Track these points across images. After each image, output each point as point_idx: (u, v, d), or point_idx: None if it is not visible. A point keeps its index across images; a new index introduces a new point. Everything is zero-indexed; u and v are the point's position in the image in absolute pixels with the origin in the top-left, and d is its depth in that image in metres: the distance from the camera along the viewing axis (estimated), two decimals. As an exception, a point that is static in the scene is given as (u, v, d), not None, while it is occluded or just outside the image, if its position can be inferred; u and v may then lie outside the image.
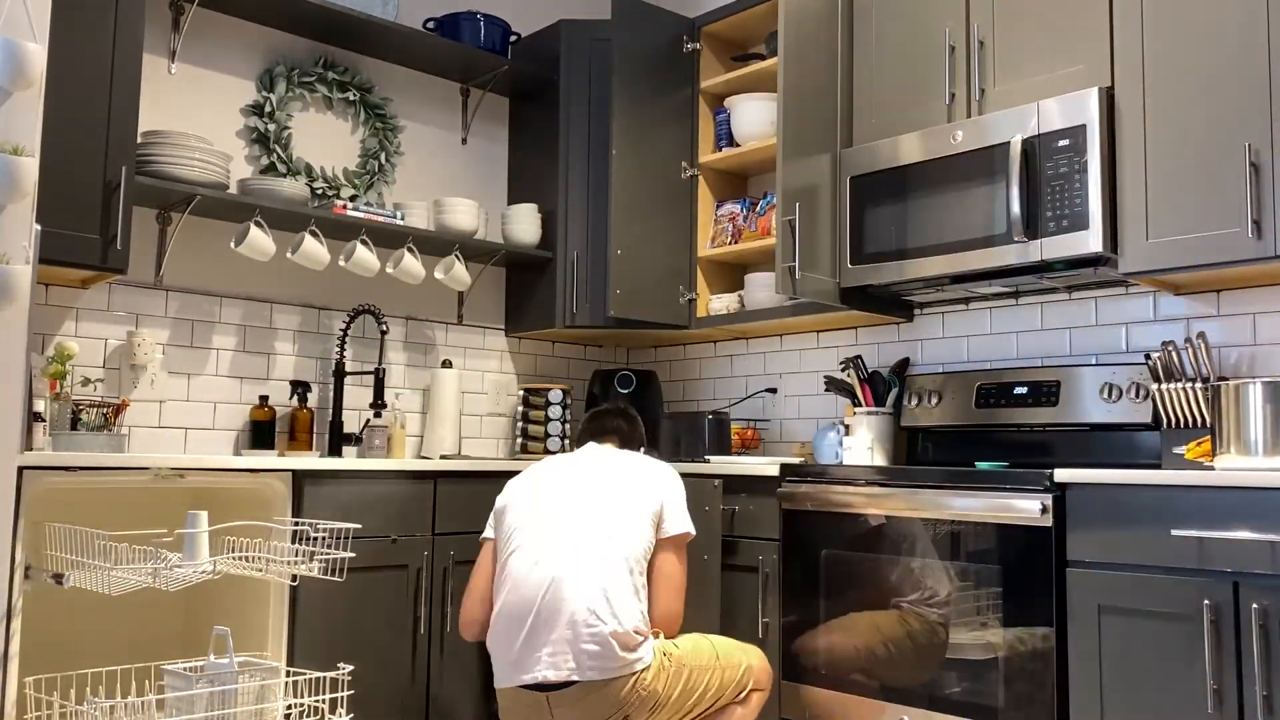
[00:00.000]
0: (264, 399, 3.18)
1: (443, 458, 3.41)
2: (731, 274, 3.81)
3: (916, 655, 2.54)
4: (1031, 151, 2.69)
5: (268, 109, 3.31)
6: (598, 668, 2.15)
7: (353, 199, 3.47)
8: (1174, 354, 2.59)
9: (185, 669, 2.34)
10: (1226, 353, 2.71)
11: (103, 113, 2.66)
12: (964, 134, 2.82)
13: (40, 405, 2.49)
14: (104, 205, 2.65)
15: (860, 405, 3.24)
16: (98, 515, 2.67)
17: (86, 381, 2.89)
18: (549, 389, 3.66)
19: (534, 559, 2.26)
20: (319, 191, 3.41)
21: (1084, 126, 2.60)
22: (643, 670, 2.20)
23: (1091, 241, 2.57)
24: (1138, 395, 2.74)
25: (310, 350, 3.40)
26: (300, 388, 3.26)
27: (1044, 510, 2.33)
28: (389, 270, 3.42)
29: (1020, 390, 2.96)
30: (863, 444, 3.10)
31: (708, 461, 3.16)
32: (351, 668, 2.56)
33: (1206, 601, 2.09)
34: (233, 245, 3.06)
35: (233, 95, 3.30)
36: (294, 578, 2.46)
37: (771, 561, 2.88)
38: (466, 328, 3.78)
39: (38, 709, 2.35)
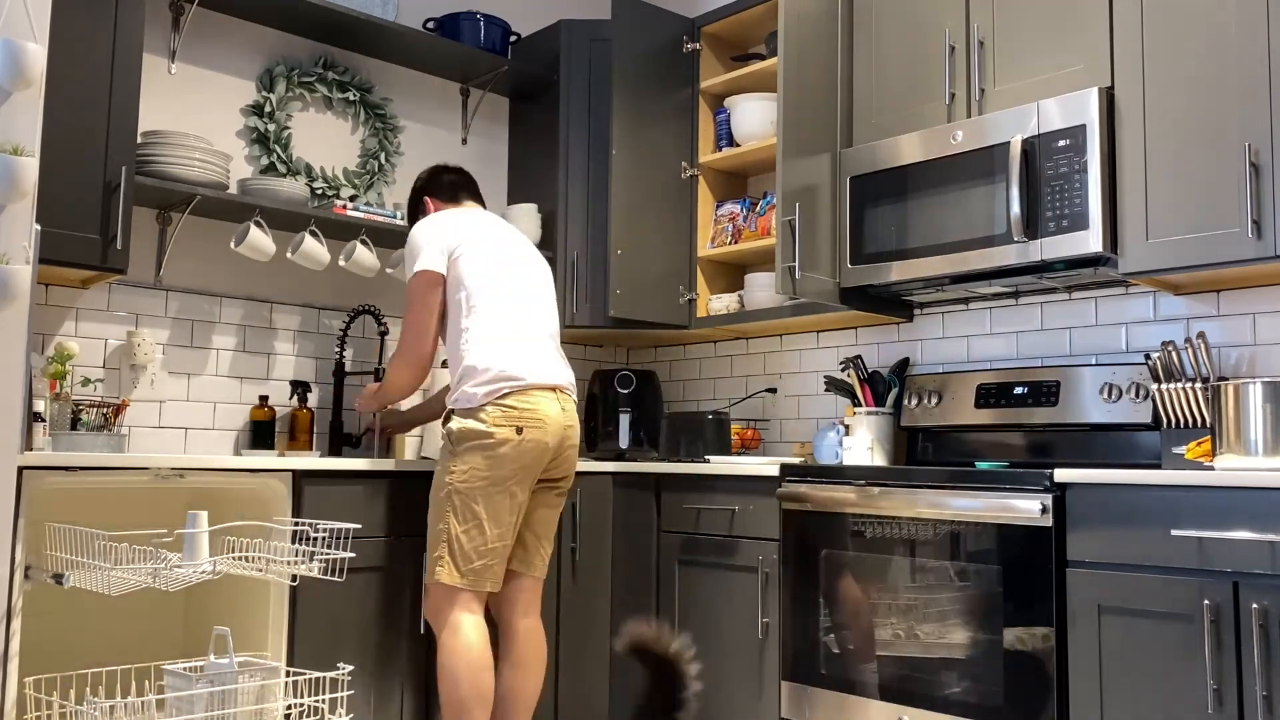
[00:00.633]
0: (264, 399, 3.18)
1: (443, 458, 3.41)
2: (731, 274, 3.81)
3: (916, 655, 2.54)
4: (1031, 151, 2.69)
5: (268, 109, 3.31)
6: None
7: (353, 199, 3.46)
8: (1174, 354, 2.59)
9: (185, 669, 2.34)
10: (1226, 353, 2.71)
11: (103, 113, 2.66)
12: (964, 134, 2.82)
13: (40, 405, 2.49)
14: (104, 205, 2.65)
15: (860, 405, 3.24)
16: (98, 515, 2.66)
17: (86, 381, 2.89)
18: (549, 389, 3.66)
19: (523, 318, 2.72)
20: (319, 191, 3.41)
21: (1084, 126, 2.60)
22: None
23: (1091, 241, 2.57)
24: (1138, 395, 2.74)
25: (310, 350, 3.40)
26: (300, 388, 3.26)
27: (1044, 510, 2.33)
28: (389, 270, 3.42)
29: (1020, 390, 2.96)
30: (863, 444, 3.10)
31: (708, 461, 3.16)
32: (351, 668, 2.56)
33: (1206, 601, 2.09)
34: (233, 245, 3.06)
35: (233, 95, 3.30)
36: (294, 578, 2.46)
37: (771, 561, 2.88)
38: (466, 328, 3.78)
39: (38, 709, 2.35)
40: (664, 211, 3.61)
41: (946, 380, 3.14)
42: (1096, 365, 2.85)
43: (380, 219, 3.28)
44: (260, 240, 3.03)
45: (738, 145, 3.61)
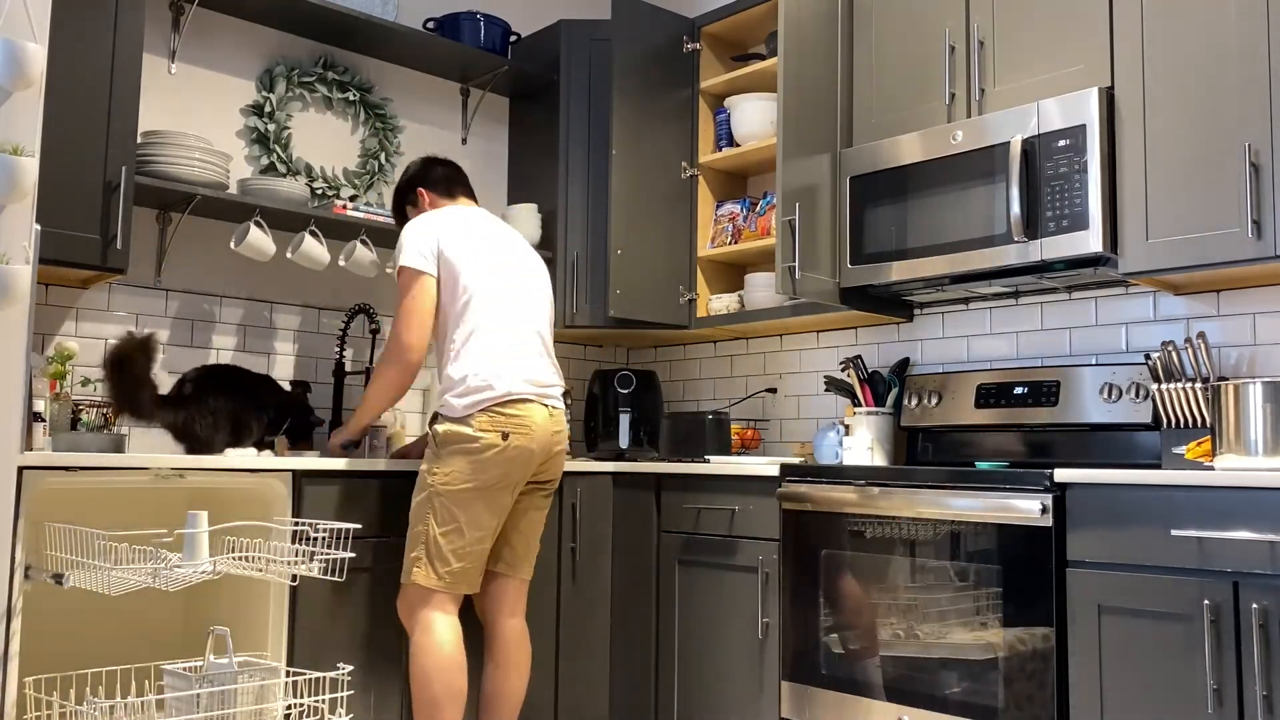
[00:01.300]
0: (264, 399, 3.18)
1: (443, 458, 3.41)
2: (731, 274, 3.81)
3: (916, 655, 2.54)
4: (1031, 151, 2.69)
5: (268, 109, 3.31)
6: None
7: (353, 199, 3.46)
8: (1174, 354, 2.59)
9: (185, 669, 2.34)
10: (1226, 353, 2.71)
11: (103, 113, 2.66)
12: (964, 134, 2.82)
13: (40, 405, 2.48)
14: (104, 205, 2.65)
15: (860, 405, 3.24)
16: (98, 515, 2.66)
17: (86, 381, 2.89)
18: (549, 389, 3.66)
19: (518, 317, 2.70)
20: (319, 191, 3.41)
21: (1084, 126, 2.60)
22: None
23: (1091, 241, 2.57)
24: (1138, 395, 2.74)
25: (310, 350, 3.40)
26: (300, 388, 3.25)
27: (1044, 510, 2.33)
28: (388, 270, 3.42)
29: (1020, 390, 2.96)
30: (863, 444, 3.10)
31: (708, 461, 3.16)
32: (351, 668, 2.56)
33: (1206, 601, 2.09)
34: (233, 245, 3.06)
35: (233, 95, 3.30)
36: (294, 577, 2.46)
37: (771, 561, 2.88)
38: (466, 328, 3.77)
39: (37, 709, 2.35)
40: (664, 211, 3.61)
41: (946, 380, 3.14)
42: (1096, 365, 2.84)
43: (380, 219, 3.28)
44: (260, 240, 3.03)
45: (738, 145, 3.61)
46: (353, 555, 2.54)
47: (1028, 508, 2.35)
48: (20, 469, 2.19)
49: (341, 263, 3.26)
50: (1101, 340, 2.96)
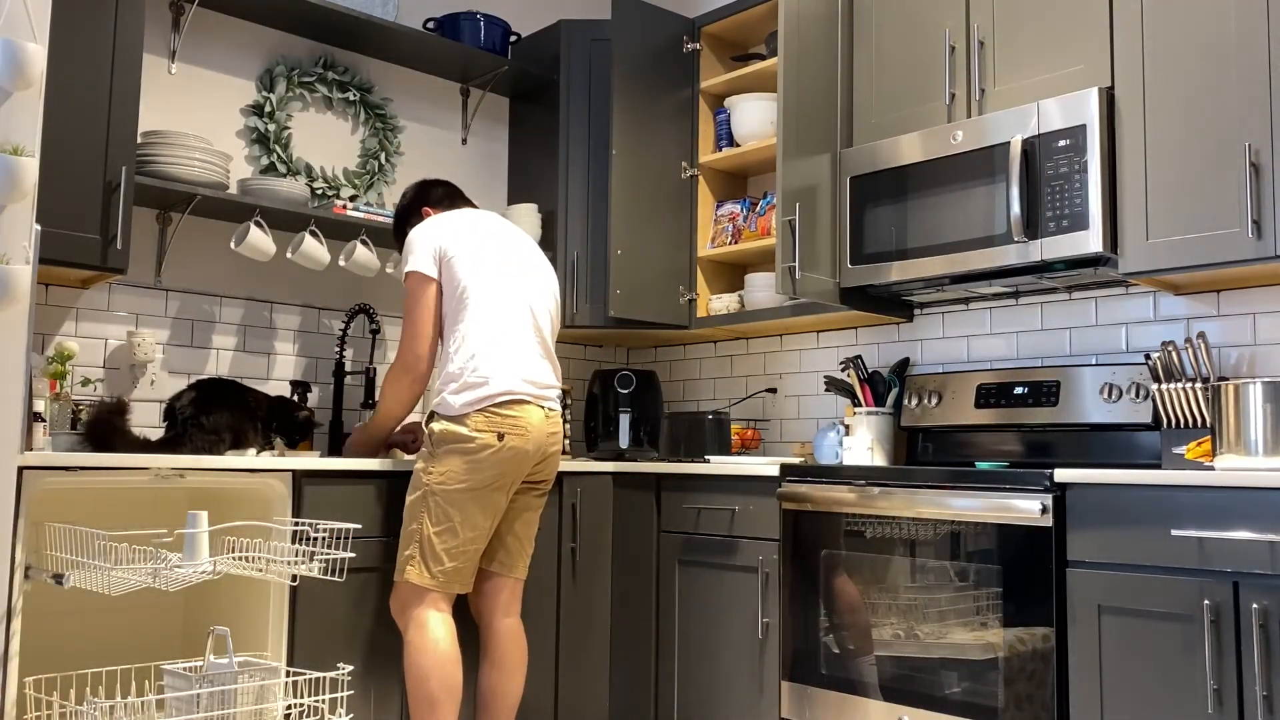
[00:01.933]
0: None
1: (443, 458, 3.41)
2: (731, 274, 3.81)
3: (916, 655, 2.54)
4: (1031, 151, 2.69)
5: (268, 109, 3.31)
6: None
7: (353, 199, 3.46)
8: (1174, 354, 2.59)
9: (185, 669, 2.34)
10: (1226, 353, 2.71)
11: (103, 113, 2.66)
12: (964, 134, 2.82)
13: (40, 405, 2.48)
14: (104, 205, 2.65)
15: (860, 405, 3.24)
16: (98, 515, 2.66)
17: (86, 381, 2.89)
18: (549, 389, 3.66)
19: (516, 319, 2.69)
20: (319, 191, 3.40)
21: (1084, 126, 2.60)
22: None
23: (1091, 241, 2.57)
24: (1138, 395, 2.74)
25: (310, 350, 3.40)
26: (300, 388, 3.25)
27: (1044, 510, 2.33)
28: (389, 270, 3.42)
29: (1020, 390, 2.96)
30: (863, 444, 3.10)
31: (708, 461, 3.16)
32: (351, 668, 2.56)
33: (1206, 601, 2.09)
34: (233, 245, 3.06)
35: (233, 95, 3.30)
36: (294, 578, 2.46)
37: (771, 561, 2.88)
38: (466, 328, 3.77)
39: (38, 709, 2.35)
40: (664, 211, 3.61)
41: (946, 380, 3.14)
42: (1096, 365, 2.84)
43: (380, 219, 3.28)
44: (260, 240, 3.03)
45: (738, 145, 3.61)
46: (353, 555, 2.54)
47: (1028, 508, 2.35)
48: (20, 469, 2.19)
49: (341, 263, 3.26)
50: (1101, 340, 2.96)
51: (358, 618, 2.70)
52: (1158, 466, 2.65)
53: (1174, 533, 2.14)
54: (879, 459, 3.15)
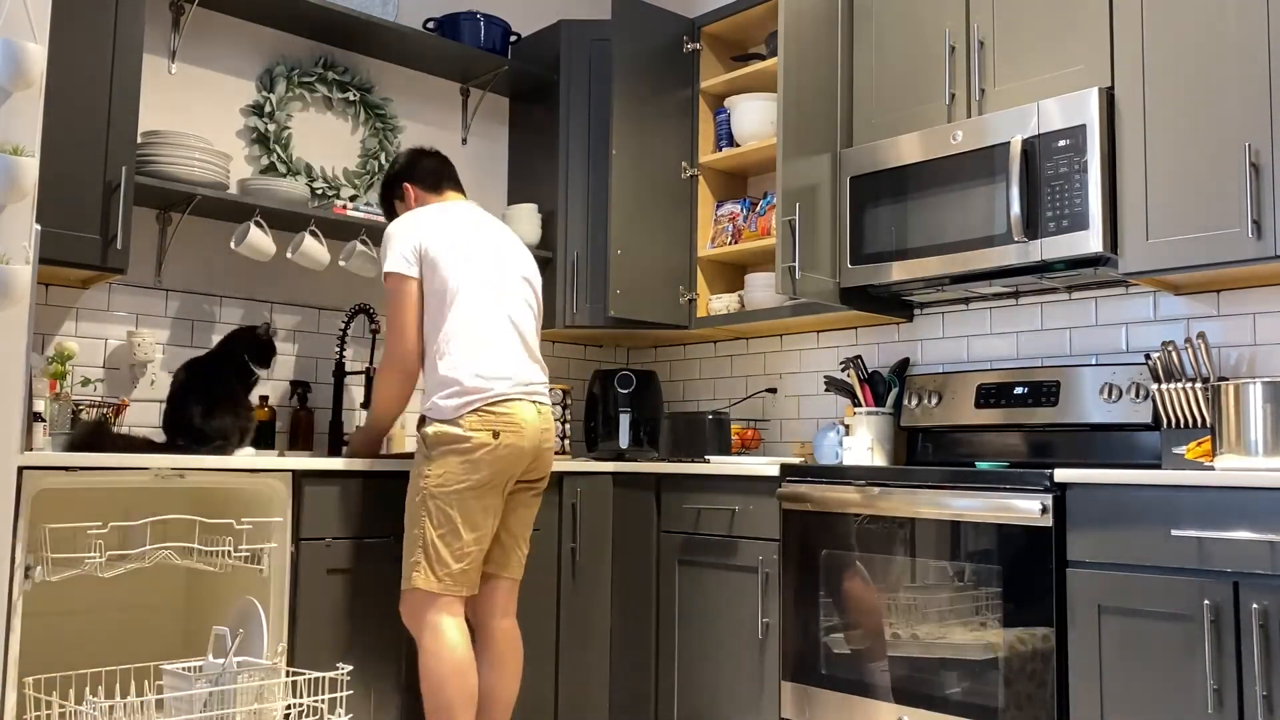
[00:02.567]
0: (264, 399, 3.18)
1: (443, 458, 3.41)
2: (731, 274, 3.81)
3: (916, 655, 2.54)
4: (1031, 151, 2.69)
5: (268, 109, 3.31)
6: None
7: (353, 199, 3.46)
8: (1174, 354, 2.59)
9: (184, 669, 2.34)
10: (1226, 353, 2.71)
11: (103, 113, 2.66)
12: (964, 134, 2.82)
13: (40, 405, 2.49)
14: (104, 205, 2.65)
15: (860, 405, 3.24)
16: (98, 515, 2.66)
17: (86, 381, 2.89)
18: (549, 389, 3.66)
19: (499, 317, 2.68)
20: (319, 191, 3.40)
21: (1084, 126, 2.60)
22: None
23: (1091, 241, 2.57)
24: (1138, 395, 2.74)
25: (310, 350, 3.40)
26: (300, 388, 3.26)
27: (1044, 510, 2.33)
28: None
29: (1020, 390, 2.96)
30: (863, 444, 3.10)
31: (708, 461, 3.16)
32: (350, 668, 2.55)
33: (1206, 601, 2.09)
34: (233, 245, 3.06)
35: (233, 95, 3.30)
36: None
37: (771, 561, 2.88)
38: (466, 328, 3.77)
39: (37, 709, 2.34)
40: (664, 211, 3.61)
41: (946, 380, 3.14)
42: (1096, 365, 2.84)
43: (380, 219, 3.28)
44: (260, 240, 3.03)
45: (738, 145, 3.61)
46: (274, 545, 2.55)
47: (1028, 508, 2.35)
48: (20, 469, 2.19)
49: (341, 263, 3.26)
50: (1101, 340, 2.96)
51: (358, 618, 2.70)
52: (1158, 466, 2.65)
53: (1174, 533, 2.14)
54: (879, 459, 3.15)
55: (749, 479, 2.97)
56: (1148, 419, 2.72)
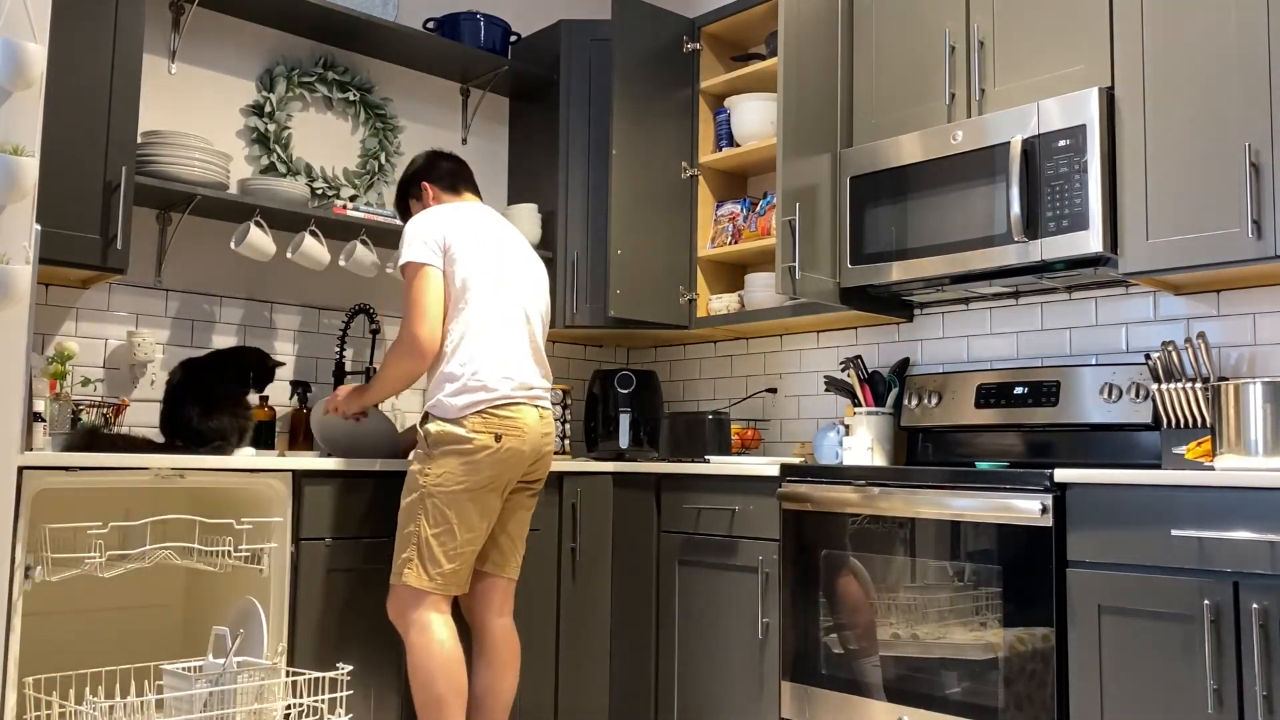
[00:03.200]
0: (264, 399, 3.18)
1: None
2: (731, 274, 3.81)
3: (916, 655, 2.54)
4: (1031, 151, 2.69)
5: (268, 109, 3.31)
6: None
7: (353, 199, 3.47)
8: (1174, 354, 2.59)
9: (184, 669, 2.34)
10: (1226, 353, 2.71)
11: (103, 113, 2.66)
12: (964, 134, 2.82)
13: (40, 405, 2.49)
14: (104, 205, 2.65)
15: (860, 405, 3.24)
16: (98, 515, 2.66)
17: (86, 381, 2.89)
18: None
19: (511, 321, 2.69)
20: (319, 191, 3.40)
21: (1084, 126, 2.60)
22: None
23: (1091, 241, 2.57)
24: (1138, 395, 2.74)
25: (310, 350, 3.40)
26: (300, 388, 3.26)
27: (1044, 510, 2.33)
28: (389, 270, 3.42)
29: (1020, 390, 2.96)
30: (863, 444, 3.09)
31: (708, 461, 3.16)
32: (350, 668, 2.56)
33: (1206, 601, 2.09)
34: (233, 245, 3.06)
35: (233, 95, 3.30)
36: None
37: (771, 561, 2.88)
38: (466, 328, 3.77)
39: (37, 709, 2.35)
40: (664, 211, 3.61)
41: (946, 380, 3.13)
42: (1096, 365, 2.84)
43: (380, 219, 3.28)
44: (260, 240, 3.03)
45: (738, 145, 3.61)
46: (274, 546, 2.55)
47: (1028, 508, 2.35)
48: (20, 469, 2.19)
49: (341, 263, 3.26)
50: (1101, 340, 2.96)
51: (358, 618, 2.70)
52: (1158, 466, 2.65)
53: (1174, 533, 2.14)
54: (879, 459, 3.15)
55: (749, 479, 2.97)
56: (1148, 419, 2.72)
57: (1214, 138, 2.44)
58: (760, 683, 2.88)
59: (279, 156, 3.32)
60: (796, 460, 3.24)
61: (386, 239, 3.37)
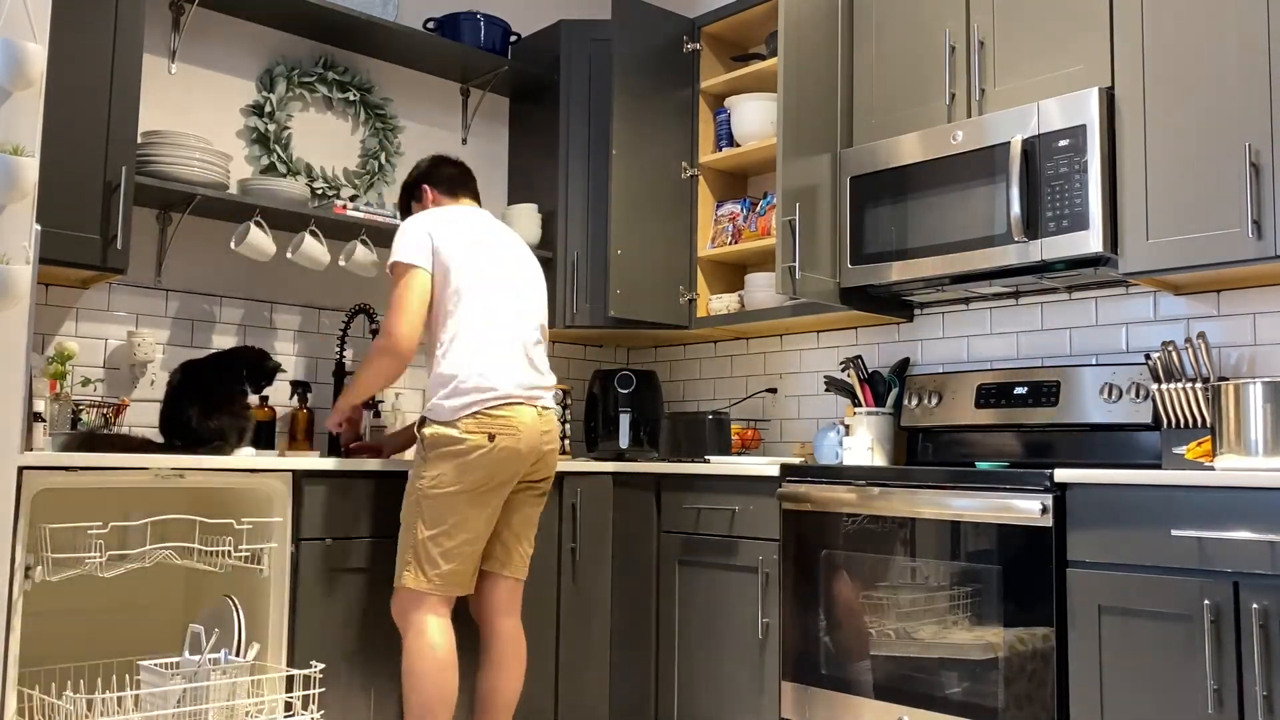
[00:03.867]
0: (264, 399, 3.18)
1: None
2: (731, 274, 3.81)
3: (916, 655, 2.54)
4: (1031, 151, 2.69)
5: (268, 109, 3.31)
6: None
7: (353, 199, 3.46)
8: (1174, 354, 2.59)
9: (159, 665, 2.36)
10: (1226, 353, 2.71)
11: (103, 113, 2.66)
12: (964, 134, 2.82)
13: (40, 405, 2.49)
14: (104, 205, 2.65)
15: (860, 405, 3.24)
16: (97, 515, 2.66)
17: (86, 381, 2.89)
18: (549, 389, 3.66)
19: (508, 318, 2.69)
20: (319, 191, 3.41)
21: (1084, 126, 2.60)
22: None
23: (1091, 241, 2.57)
24: (1138, 395, 2.74)
25: (310, 350, 3.40)
26: (300, 388, 3.26)
27: (1044, 510, 2.33)
28: (388, 271, 3.42)
29: (1020, 390, 2.96)
30: (863, 444, 3.09)
31: (708, 461, 3.16)
32: (323, 665, 2.54)
33: (1206, 601, 2.09)
34: (233, 245, 3.06)
35: (233, 95, 3.30)
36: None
37: (771, 561, 2.88)
38: (466, 328, 3.77)
39: (20, 701, 2.35)
40: (664, 211, 3.61)
41: (946, 380, 3.13)
42: (1096, 365, 2.84)
43: (380, 219, 3.28)
44: (260, 240, 3.03)
45: (738, 145, 3.61)
46: (274, 545, 2.55)
47: (1028, 508, 2.35)
48: (20, 469, 2.19)
49: (341, 263, 3.26)
50: (1102, 340, 2.95)
51: (358, 617, 2.71)
52: (1158, 466, 2.65)
53: (1174, 533, 2.14)
54: (879, 459, 3.15)
55: (749, 479, 2.97)
56: (1148, 419, 2.72)
57: (1214, 137, 2.44)
58: (760, 683, 2.88)
59: (279, 156, 3.32)
60: (796, 460, 3.24)
61: (386, 239, 3.36)
